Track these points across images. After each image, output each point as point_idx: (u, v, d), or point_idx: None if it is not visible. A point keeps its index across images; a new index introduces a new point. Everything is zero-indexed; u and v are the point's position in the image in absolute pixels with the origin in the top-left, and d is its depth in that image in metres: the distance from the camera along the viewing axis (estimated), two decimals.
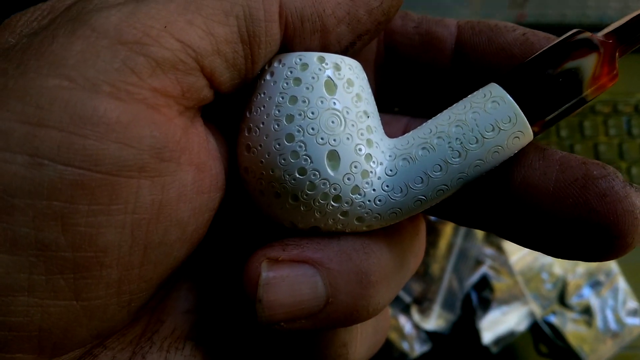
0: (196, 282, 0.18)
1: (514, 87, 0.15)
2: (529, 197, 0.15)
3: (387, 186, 0.15)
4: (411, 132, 0.16)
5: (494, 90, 0.15)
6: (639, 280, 0.50)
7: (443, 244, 0.49)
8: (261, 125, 0.15)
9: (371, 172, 0.15)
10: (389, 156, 0.16)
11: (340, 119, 0.15)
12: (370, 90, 0.17)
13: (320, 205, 0.15)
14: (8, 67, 0.13)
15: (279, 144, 0.15)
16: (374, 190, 0.15)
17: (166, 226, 0.14)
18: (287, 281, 0.15)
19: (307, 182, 0.15)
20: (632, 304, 0.49)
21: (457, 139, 0.15)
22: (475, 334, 0.47)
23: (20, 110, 0.12)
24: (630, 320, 0.48)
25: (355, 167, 0.15)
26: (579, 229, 0.14)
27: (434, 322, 0.47)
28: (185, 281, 0.18)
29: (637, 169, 0.53)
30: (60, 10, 0.14)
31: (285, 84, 0.15)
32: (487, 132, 0.15)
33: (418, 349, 0.47)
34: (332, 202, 0.15)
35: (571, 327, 0.48)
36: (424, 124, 0.16)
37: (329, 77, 0.15)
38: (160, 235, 0.14)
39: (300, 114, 0.15)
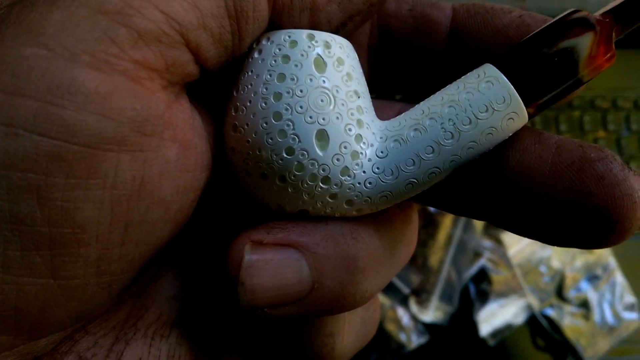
0: (182, 267, 0.17)
1: (508, 67, 0.15)
2: (525, 182, 0.14)
3: (378, 168, 0.15)
4: (403, 114, 0.16)
5: (488, 70, 0.15)
6: (637, 274, 0.50)
7: (442, 235, 0.49)
8: (248, 104, 0.15)
9: (361, 153, 0.15)
10: (380, 138, 0.15)
11: (329, 98, 0.15)
12: (361, 70, 0.16)
13: (308, 186, 0.15)
14: None
15: (266, 123, 0.14)
16: (364, 172, 0.15)
17: (148, 204, 0.14)
18: (271, 265, 0.14)
19: (295, 163, 0.14)
20: (629, 298, 0.49)
21: (449, 119, 0.14)
22: (473, 326, 0.47)
23: None
24: (628, 315, 0.48)
25: (345, 147, 0.15)
26: (576, 213, 0.13)
27: (432, 314, 0.47)
28: (171, 267, 0.17)
29: (635, 164, 0.53)
30: None
31: (273, 62, 0.15)
32: (481, 112, 0.14)
33: (415, 340, 0.47)
34: (321, 184, 0.15)
35: (568, 321, 0.48)
36: (417, 105, 0.16)
37: (318, 54, 0.15)
38: (142, 213, 0.14)
39: (288, 92, 0.14)
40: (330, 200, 0.15)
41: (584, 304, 0.48)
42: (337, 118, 0.15)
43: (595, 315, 0.48)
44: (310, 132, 0.14)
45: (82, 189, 0.12)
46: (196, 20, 0.13)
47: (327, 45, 0.15)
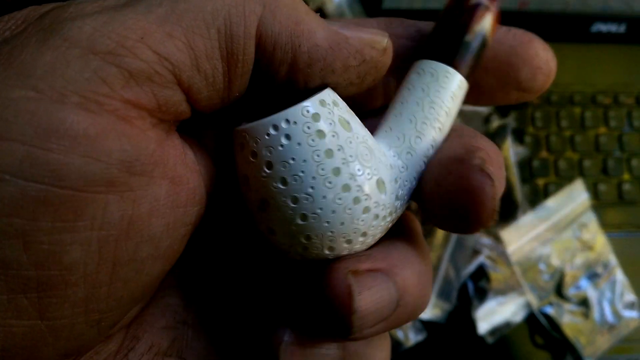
0: (174, 297, 0.17)
1: (440, 56, 0.17)
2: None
3: (405, 182, 0.16)
4: (388, 126, 0.17)
5: (427, 65, 0.17)
6: (637, 272, 0.50)
7: (440, 232, 0.48)
8: (311, 190, 0.15)
9: (399, 177, 0.16)
10: (394, 155, 0.16)
11: (367, 147, 0.15)
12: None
13: (367, 225, 0.16)
14: None
15: (340, 199, 0.15)
16: (400, 191, 0.16)
17: (137, 242, 0.14)
18: (372, 290, 0.15)
19: (362, 209, 0.15)
20: (629, 296, 0.48)
21: (435, 119, 0.16)
22: (471, 324, 0.47)
23: None
24: (627, 313, 0.48)
25: (396, 181, 0.16)
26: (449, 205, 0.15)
27: (430, 311, 0.47)
28: (162, 296, 0.17)
29: (637, 160, 0.53)
30: (34, 18, 0.14)
31: (311, 141, 0.15)
32: (447, 103, 0.16)
33: (413, 338, 0.46)
34: (381, 221, 0.16)
35: (568, 319, 0.47)
36: (392, 116, 0.17)
37: (340, 115, 0.15)
38: (131, 252, 0.14)
39: (343, 163, 0.15)
40: (375, 231, 0.16)
41: (584, 302, 0.48)
42: (379, 161, 0.16)
43: (595, 314, 0.48)
44: (373, 185, 0.15)
45: (69, 231, 0.12)
46: (190, 61, 0.13)
47: (335, 103, 0.15)
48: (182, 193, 0.15)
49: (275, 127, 0.15)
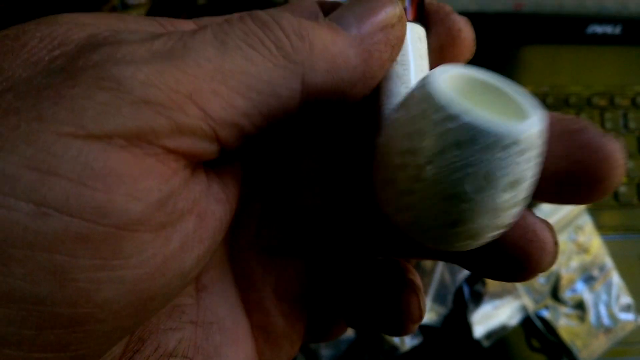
0: (182, 296, 0.18)
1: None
2: None
3: None
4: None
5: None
6: (633, 275, 0.50)
7: None
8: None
9: None
10: None
11: None
12: None
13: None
14: (21, 107, 0.12)
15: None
16: None
17: (169, 278, 0.14)
18: None
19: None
20: (625, 299, 0.48)
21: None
22: (467, 328, 0.47)
23: (30, 155, 0.12)
24: (624, 316, 0.48)
25: None
26: (568, 178, 0.15)
27: (426, 315, 0.47)
28: None
29: (633, 163, 0.52)
30: (74, 43, 0.14)
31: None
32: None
33: (408, 342, 0.46)
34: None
35: (564, 322, 0.47)
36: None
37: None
38: (162, 287, 0.14)
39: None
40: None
41: (580, 305, 0.48)
42: None
43: (591, 317, 0.48)
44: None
45: (106, 270, 0.12)
46: (230, 119, 0.14)
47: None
48: (209, 226, 0.15)
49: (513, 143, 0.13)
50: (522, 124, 0.13)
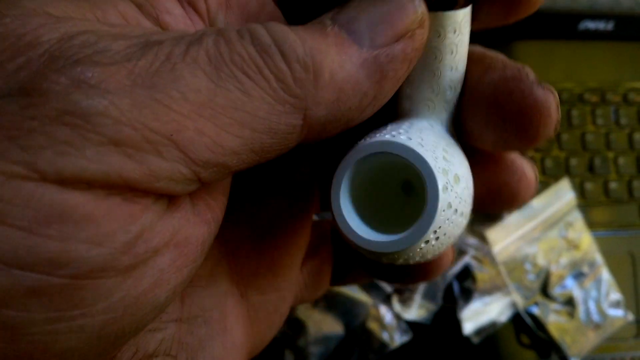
0: None
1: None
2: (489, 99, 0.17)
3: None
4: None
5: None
6: (623, 271, 0.50)
7: None
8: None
9: None
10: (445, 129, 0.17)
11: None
12: None
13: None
14: None
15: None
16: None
17: (141, 316, 0.13)
18: None
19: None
20: (615, 295, 0.48)
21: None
22: (457, 325, 0.47)
23: None
24: (613, 312, 0.48)
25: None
26: (503, 124, 0.16)
27: (415, 312, 0.47)
28: None
29: (623, 159, 0.52)
30: (44, 47, 0.11)
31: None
32: (452, 39, 0.16)
33: (398, 339, 0.46)
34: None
35: (553, 318, 0.47)
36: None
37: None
38: (134, 325, 0.13)
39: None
40: None
41: (569, 302, 0.48)
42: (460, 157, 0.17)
43: (581, 313, 0.48)
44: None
45: (64, 321, 0.11)
46: (215, 159, 0.12)
47: None
48: (190, 253, 0.14)
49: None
50: (401, 239, 0.14)
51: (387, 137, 0.15)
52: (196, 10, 0.15)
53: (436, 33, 0.15)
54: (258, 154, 0.13)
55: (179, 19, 0.14)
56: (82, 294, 0.11)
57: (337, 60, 0.13)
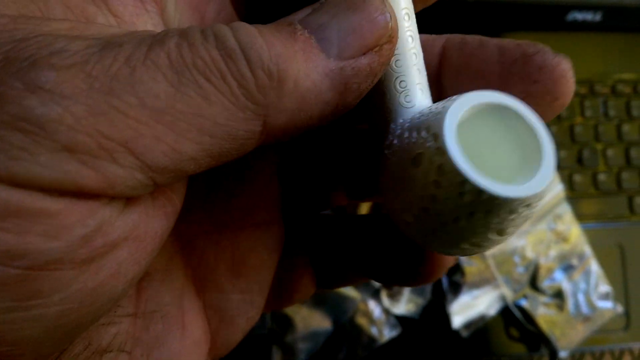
0: None
1: None
2: (480, 82, 0.17)
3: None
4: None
5: None
6: (612, 263, 0.50)
7: None
8: None
9: None
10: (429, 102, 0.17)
11: None
12: None
13: None
14: None
15: None
16: None
17: (98, 306, 0.13)
18: None
19: None
20: (604, 287, 0.48)
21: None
22: (446, 318, 0.47)
23: None
24: (602, 304, 0.48)
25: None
26: (528, 97, 0.16)
27: (404, 306, 0.46)
28: None
29: (612, 151, 0.52)
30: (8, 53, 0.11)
31: None
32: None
33: (387, 334, 0.46)
34: None
35: (542, 311, 0.47)
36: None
37: None
38: (90, 316, 0.13)
39: None
40: None
41: (558, 294, 0.48)
42: None
43: (570, 305, 0.47)
44: None
45: (21, 310, 0.11)
46: (173, 165, 0.12)
47: None
48: (148, 246, 0.14)
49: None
50: (532, 183, 0.13)
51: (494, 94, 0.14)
52: None
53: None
54: (216, 159, 0.13)
55: (129, 4, 0.14)
56: (38, 285, 0.11)
57: (302, 69, 0.13)
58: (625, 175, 0.52)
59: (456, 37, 0.18)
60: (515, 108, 0.14)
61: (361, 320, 0.46)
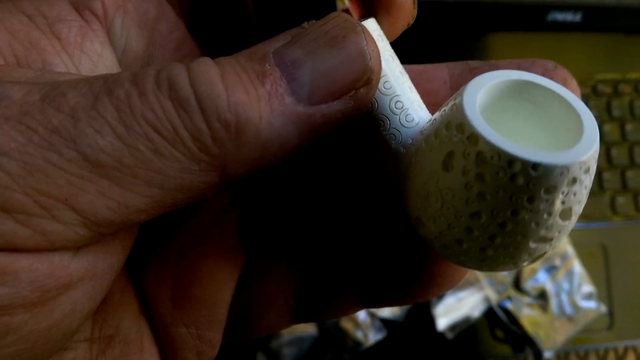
0: None
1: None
2: None
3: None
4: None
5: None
6: (595, 263, 0.50)
7: None
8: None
9: None
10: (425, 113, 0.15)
11: None
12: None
13: None
14: None
15: None
16: None
17: (52, 344, 0.12)
18: None
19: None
20: (587, 287, 0.48)
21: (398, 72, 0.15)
22: (431, 321, 0.47)
23: None
24: (585, 304, 0.48)
25: None
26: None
27: (389, 309, 0.46)
28: None
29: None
30: None
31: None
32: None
33: (372, 337, 0.46)
34: None
35: (526, 312, 0.47)
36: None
37: None
38: (46, 354, 0.12)
39: None
40: None
41: (542, 295, 0.48)
42: None
43: (553, 306, 0.48)
44: None
45: None
46: (120, 219, 0.12)
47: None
48: (104, 281, 0.13)
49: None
50: (578, 149, 0.12)
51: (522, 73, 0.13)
52: (93, 13, 0.14)
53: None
54: (170, 208, 0.12)
55: (74, 25, 0.14)
56: None
57: (266, 116, 0.12)
58: (607, 175, 0.52)
59: (459, 64, 0.17)
60: (535, 80, 0.13)
61: (346, 324, 0.46)
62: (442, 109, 0.13)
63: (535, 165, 0.11)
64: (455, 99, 0.13)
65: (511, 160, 0.11)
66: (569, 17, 0.55)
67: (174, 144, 0.11)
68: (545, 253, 0.14)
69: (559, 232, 0.13)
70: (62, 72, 0.13)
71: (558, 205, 0.12)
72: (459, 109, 0.12)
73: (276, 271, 0.19)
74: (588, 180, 0.12)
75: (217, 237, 0.18)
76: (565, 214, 0.12)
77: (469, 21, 0.54)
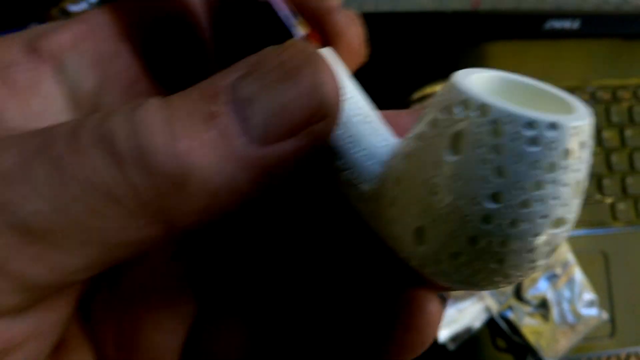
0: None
1: None
2: None
3: None
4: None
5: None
6: (596, 271, 0.50)
7: None
8: None
9: None
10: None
11: None
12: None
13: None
14: None
15: None
16: None
17: None
18: None
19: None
20: (588, 295, 0.48)
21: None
22: None
23: None
24: (587, 312, 0.48)
25: None
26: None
27: None
28: None
29: (594, 158, 0.52)
30: None
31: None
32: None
33: None
34: None
35: (527, 322, 0.47)
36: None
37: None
38: None
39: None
40: None
41: (543, 304, 0.48)
42: None
43: (554, 315, 0.48)
44: None
45: None
46: (55, 282, 0.11)
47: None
48: (52, 335, 0.13)
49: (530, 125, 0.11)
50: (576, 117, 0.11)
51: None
52: (45, 53, 0.14)
53: None
54: (114, 262, 0.12)
55: (24, 69, 0.13)
56: None
57: (214, 162, 0.11)
58: (607, 181, 0.52)
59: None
60: (516, 78, 0.13)
61: None
62: (422, 115, 0.13)
63: (553, 124, 0.11)
64: (443, 89, 0.12)
65: (529, 122, 0.11)
66: (566, 24, 0.55)
67: (111, 201, 0.11)
68: (556, 249, 0.13)
69: (574, 212, 0.12)
70: (7, 128, 0.13)
71: (573, 176, 0.11)
72: (455, 89, 0.12)
73: (231, 322, 0.17)
74: (589, 154, 0.12)
75: (163, 285, 0.17)
76: (578, 189, 0.12)
77: (467, 30, 0.54)
